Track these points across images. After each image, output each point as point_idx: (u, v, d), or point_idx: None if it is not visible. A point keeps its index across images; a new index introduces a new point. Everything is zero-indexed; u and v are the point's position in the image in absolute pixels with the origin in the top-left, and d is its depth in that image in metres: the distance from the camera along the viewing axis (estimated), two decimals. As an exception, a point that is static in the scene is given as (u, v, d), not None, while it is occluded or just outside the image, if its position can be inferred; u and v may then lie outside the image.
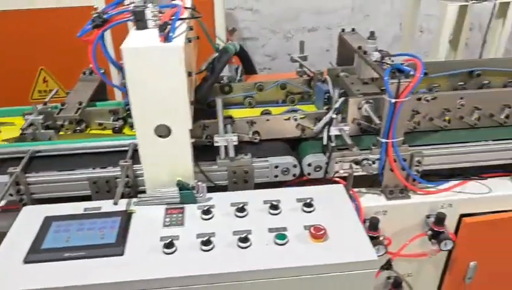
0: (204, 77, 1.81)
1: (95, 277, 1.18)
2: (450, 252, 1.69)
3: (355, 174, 1.58)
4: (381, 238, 1.57)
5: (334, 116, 1.53)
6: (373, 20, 4.40)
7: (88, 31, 1.46)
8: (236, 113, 1.85)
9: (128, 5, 1.46)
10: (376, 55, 1.61)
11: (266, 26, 4.35)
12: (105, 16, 1.43)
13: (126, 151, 1.56)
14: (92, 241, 1.28)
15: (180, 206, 1.42)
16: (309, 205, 1.39)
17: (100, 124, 1.78)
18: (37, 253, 1.25)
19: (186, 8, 1.51)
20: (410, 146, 1.59)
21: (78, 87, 1.92)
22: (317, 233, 1.26)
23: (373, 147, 1.58)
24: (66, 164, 1.57)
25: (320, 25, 4.38)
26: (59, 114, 1.71)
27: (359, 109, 1.63)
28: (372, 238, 1.51)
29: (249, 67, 2.72)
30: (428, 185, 1.64)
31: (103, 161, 1.57)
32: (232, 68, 2.97)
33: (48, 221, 1.35)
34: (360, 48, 1.76)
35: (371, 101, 1.61)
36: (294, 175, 1.58)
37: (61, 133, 1.75)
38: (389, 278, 1.76)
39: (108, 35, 2.61)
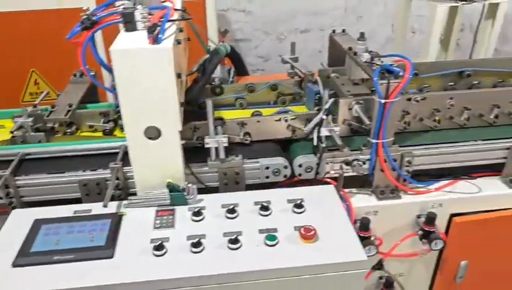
0: (195, 78, 1.81)
1: (85, 280, 1.18)
2: (441, 251, 1.70)
3: (346, 174, 1.59)
4: (372, 239, 1.57)
5: (324, 117, 1.53)
6: (366, 21, 4.42)
7: (77, 33, 1.45)
8: (227, 114, 1.85)
9: (118, 6, 1.46)
10: (366, 56, 1.62)
11: (259, 28, 4.36)
12: (94, 18, 1.43)
13: (117, 153, 1.56)
14: (81, 244, 1.27)
15: (171, 208, 1.42)
16: (299, 205, 1.39)
17: (91, 126, 1.77)
18: (26, 256, 1.24)
19: (176, 9, 1.52)
20: (400, 146, 1.60)
21: (68, 90, 1.91)
22: (307, 234, 1.26)
23: (363, 148, 1.58)
24: (56, 166, 1.56)
25: (313, 26, 4.39)
26: (49, 116, 1.70)
27: (350, 109, 1.63)
28: (363, 239, 1.52)
29: (240, 69, 2.72)
30: (419, 185, 1.65)
31: (93, 163, 1.56)
32: (224, 70, 2.97)
33: (37, 224, 1.34)
34: (350, 49, 1.77)
35: (361, 101, 1.62)
36: (285, 176, 1.58)
37: (57, 136, 1.73)
38: (380, 278, 1.76)
39: (99, 37, 2.62)
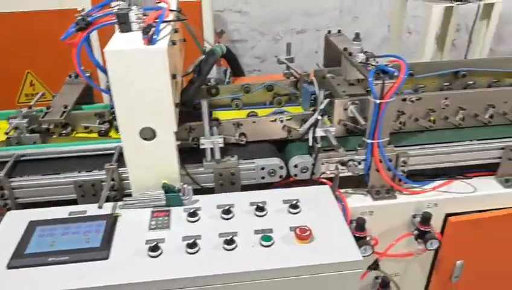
0: (191, 79, 1.80)
1: (80, 281, 1.17)
2: (436, 251, 1.70)
3: (342, 175, 1.59)
4: (368, 239, 1.57)
5: (319, 117, 1.53)
6: (362, 21, 4.42)
7: (72, 34, 1.45)
8: (223, 115, 1.85)
9: (113, 7, 1.46)
10: (361, 57, 1.62)
11: (255, 28, 4.36)
12: (89, 19, 1.43)
13: (112, 154, 1.55)
14: (76, 245, 1.27)
15: (166, 209, 1.41)
16: (295, 206, 1.40)
17: (86, 128, 1.77)
18: (20, 258, 1.23)
19: (171, 10, 1.52)
20: (395, 146, 1.60)
21: (63, 91, 1.90)
22: (303, 234, 1.26)
23: (359, 148, 1.58)
24: (51, 167, 1.56)
25: (309, 26, 4.39)
26: (44, 118, 1.69)
27: (345, 110, 1.64)
28: (359, 239, 1.53)
29: (236, 70, 2.71)
30: (414, 185, 1.65)
31: (89, 164, 1.56)
32: (221, 70, 2.97)
33: (32, 225, 1.34)
34: (345, 49, 1.77)
35: (356, 102, 1.62)
36: (280, 177, 1.58)
37: (52, 137, 1.73)
38: (376, 278, 1.76)
39: (95, 38, 2.61)
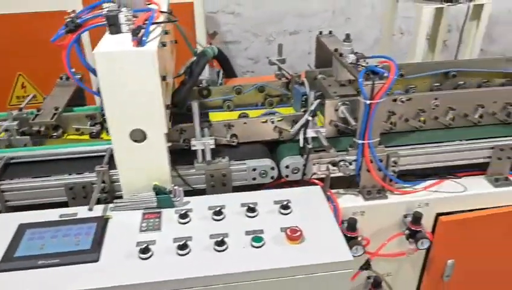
0: (182, 80, 1.80)
1: (69, 284, 1.17)
2: (427, 251, 1.71)
3: (333, 175, 1.60)
4: (359, 239, 1.58)
5: (310, 118, 1.54)
6: (354, 23, 4.44)
7: (62, 35, 1.45)
8: (214, 116, 1.85)
9: (103, 9, 1.45)
10: (351, 58, 1.63)
11: (248, 30, 4.36)
12: (78, 21, 1.43)
13: (103, 156, 1.55)
14: (66, 248, 1.26)
15: (157, 210, 1.41)
16: (286, 207, 1.40)
17: (77, 130, 1.76)
18: (9, 261, 1.22)
19: (161, 12, 1.52)
20: (386, 147, 1.61)
21: (54, 93, 1.90)
22: (293, 235, 1.27)
23: (350, 148, 1.59)
24: (41, 170, 1.55)
25: (302, 28, 4.40)
26: (34, 120, 1.68)
27: (336, 110, 1.64)
28: (350, 239, 1.53)
29: (228, 71, 2.73)
30: (405, 185, 1.66)
31: (79, 166, 1.55)
32: (214, 72, 2.97)
33: (21, 228, 1.33)
34: (336, 50, 1.78)
35: (347, 102, 1.63)
36: (272, 177, 1.59)
37: (42, 139, 1.72)
38: (369, 278, 1.77)
39: (86, 40, 2.61)
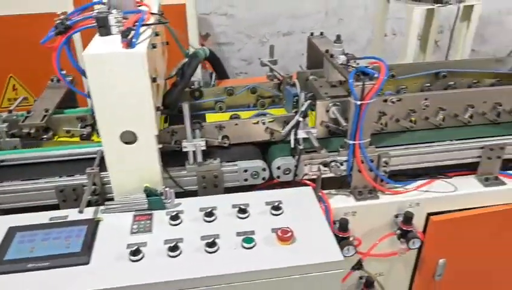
0: (174, 82, 1.80)
1: (60, 287, 1.16)
2: (419, 250, 1.72)
3: (324, 176, 1.60)
4: (351, 239, 1.58)
5: (301, 119, 1.54)
6: (347, 24, 4.45)
7: (51, 37, 1.44)
8: (208, 118, 1.85)
9: (94, 11, 1.45)
10: (342, 59, 1.64)
11: (241, 31, 4.36)
12: (68, 23, 1.42)
13: (94, 158, 1.54)
14: (57, 251, 1.26)
15: (149, 212, 1.41)
16: (277, 208, 1.40)
17: (68, 132, 1.76)
18: (-1, 264, 1.22)
19: (152, 13, 1.51)
20: (377, 147, 1.62)
21: (45, 95, 1.89)
22: (284, 236, 1.27)
23: (341, 149, 1.60)
24: (32, 172, 1.55)
25: (295, 29, 4.41)
26: (24, 122, 1.68)
27: (327, 111, 1.65)
28: (342, 239, 1.54)
29: (220, 72, 2.72)
30: (396, 185, 1.67)
31: (70, 168, 1.55)
32: (207, 73, 2.97)
33: (11, 231, 1.33)
34: (327, 51, 1.78)
35: (338, 103, 1.63)
36: (263, 179, 1.59)
37: (33, 141, 1.71)
38: (361, 278, 1.77)
39: (78, 41, 2.60)
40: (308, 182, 1.60)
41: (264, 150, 1.69)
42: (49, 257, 1.24)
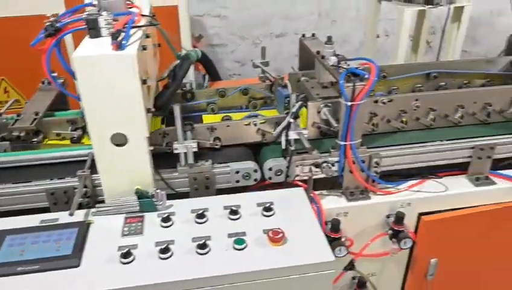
0: (165, 84, 1.80)
1: (49, 290, 1.16)
2: (411, 250, 1.73)
3: (316, 177, 1.60)
4: (343, 240, 1.59)
5: (292, 120, 1.55)
6: (340, 25, 4.47)
7: (41, 40, 1.44)
8: (203, 119, 1.85)
9: (84, 12, 1.45)
10: (333, 60, 1.64)
11: (235, 33, 4.37)
12: (58, 25, 1.42)
13: (85, 161, 1.54)
14: (47, 254, 1.25)
15: (140, 214, 1.41)
16: (269, 209, 1.40)
17: (58, 135, 1.75)
18: (-12, 268, 1.21)
19: (142, 15, 1.51)
20: (368, 148, 1.62)
21: (36, 97, 1.88)
22: (276, 237, 1.27)
23: (332, 150, 1.60)
24: (22, 175, 1.54)
25: (288, 30, 4.42)
26: (14, 125, 1.67)
27: (318, 112, 1.65)
28: (334, 240, 1.54)
29: (213, 74, 2.73)
30: (388, 186, 1.68)
31: (61, 171, 1.54)
32: (200, 75, 2.97)
33: (1, 235, 1.32)
34: (318, 52, 1.79)
35: (329, 104, 1.64)
36: (255, 180, 1.59)
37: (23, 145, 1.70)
38: (354, 278, 1.78)
39: (70, 43, 2.58)
40: (299, 183, 1.60)
41: (255, 151, 1.70)
42: (39, 260, 1.23)
